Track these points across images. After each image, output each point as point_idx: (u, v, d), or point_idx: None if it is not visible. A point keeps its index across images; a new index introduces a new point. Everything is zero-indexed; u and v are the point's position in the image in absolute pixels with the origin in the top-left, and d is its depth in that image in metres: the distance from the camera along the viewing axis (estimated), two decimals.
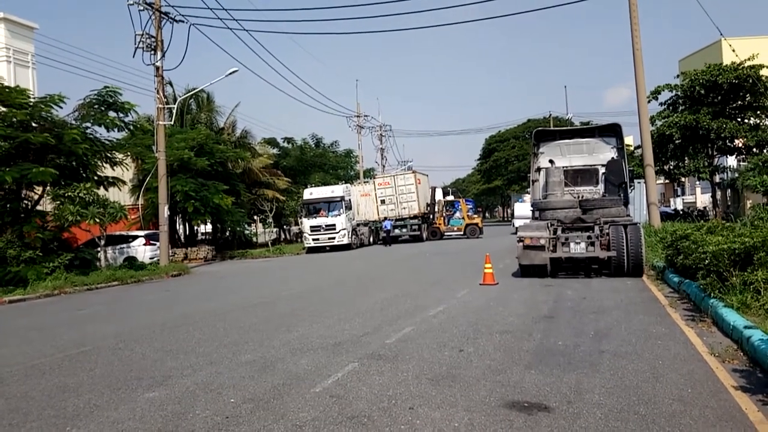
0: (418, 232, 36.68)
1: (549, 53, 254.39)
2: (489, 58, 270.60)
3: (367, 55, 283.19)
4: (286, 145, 48.89)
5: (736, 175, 28.56)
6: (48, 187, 19.85)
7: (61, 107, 19.84)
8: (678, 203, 52.03)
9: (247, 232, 41.98)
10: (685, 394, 4.84)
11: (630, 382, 5.20)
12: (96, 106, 20.85)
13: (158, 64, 23.75)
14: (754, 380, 5.11)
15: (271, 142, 47.68)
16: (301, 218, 35.25)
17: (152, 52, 23.53)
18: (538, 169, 16.01)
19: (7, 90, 19.02)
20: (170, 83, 32.15)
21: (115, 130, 21.57)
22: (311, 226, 32.80)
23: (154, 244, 24.76)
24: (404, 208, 36.57)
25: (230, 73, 26.12)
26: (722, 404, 4.57)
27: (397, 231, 36.78)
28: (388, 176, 39.54)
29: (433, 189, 40.52)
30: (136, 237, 25.56)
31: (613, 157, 15.30)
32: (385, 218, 36.50)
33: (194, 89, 32.88)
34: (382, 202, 37.00)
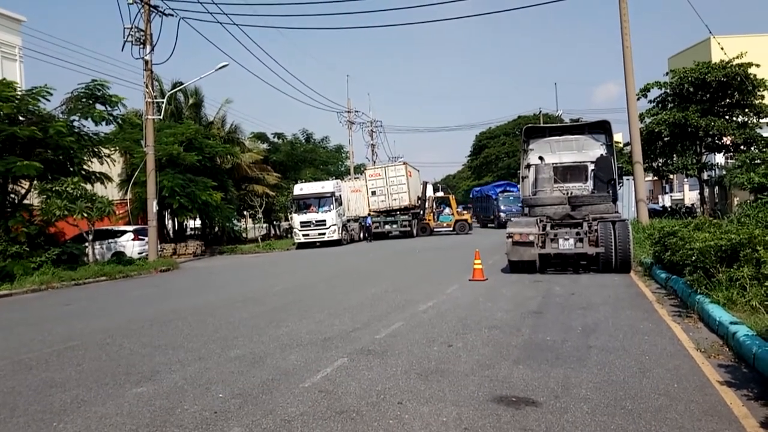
0: (409, 228, 36.70)
1: (539, 50, 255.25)
2: (479, 55, 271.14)
3: (358, 51, 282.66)
4: (276, 140, 48.62)
5: (724, 172, 28.75)
6: (35, 182, 19.68)
7: (48, 100, 19.68)
8: (666, 200, 52.33)
9: (236, 227, 41.82)
10: (671, 388, 4.88)
11: (617, 377, 5.25)
12: (83, 100, 20.63)
13: (147, 58, 23.62)
14: (739, 375, 5.17)
15: (261, 137, 47.36)
16: (291, 214, 35.14)
17: (141, 45, 23.40)
18: (528, 166, 16.05)
19: None
20: (157, 79, 31.88)
21: (103, 123, 21.36)
22: (301, 222, 32.70)
23: (143, 239, 24.60)
24: (395, 199, 36.56)
25: (220, 68, 25.99)
26: (708, 399, 4.62)
27: (387, 227, 36.86)
28: (379, 167, 39.52)
29: (425, 184, 40.60)
30: (124, 232, 25.37)
31: (602, 154, 15.37)
32: (368, 215, 37.13)
33: (180, 83, 32.65)
34: (373, 193, 36.97)
